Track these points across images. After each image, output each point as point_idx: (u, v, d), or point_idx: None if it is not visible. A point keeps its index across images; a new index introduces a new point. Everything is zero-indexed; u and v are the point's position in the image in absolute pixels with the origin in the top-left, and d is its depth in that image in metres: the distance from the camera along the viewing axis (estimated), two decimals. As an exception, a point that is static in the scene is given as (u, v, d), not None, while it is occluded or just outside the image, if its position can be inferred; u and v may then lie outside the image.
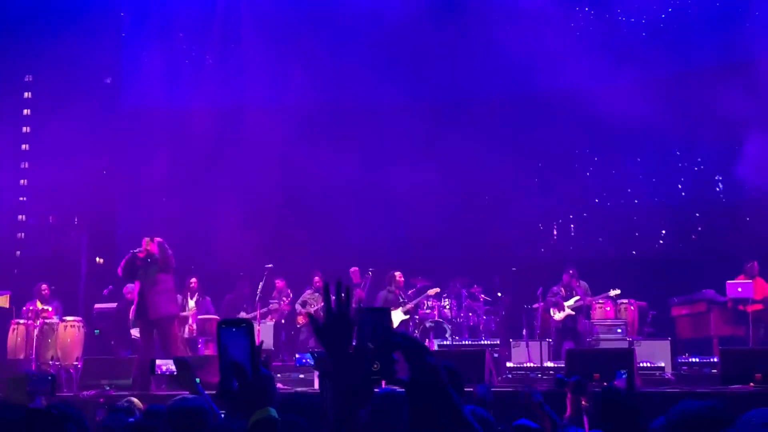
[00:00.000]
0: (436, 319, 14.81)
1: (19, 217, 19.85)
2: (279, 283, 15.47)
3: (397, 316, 14.41)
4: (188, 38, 19.42)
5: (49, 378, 5.10)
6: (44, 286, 14.31)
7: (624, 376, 5.99)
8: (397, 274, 14.94)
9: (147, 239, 12.17)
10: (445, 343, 14.19)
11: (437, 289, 15.10)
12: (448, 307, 15.19)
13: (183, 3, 18.99)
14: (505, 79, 17.62)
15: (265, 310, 15.01)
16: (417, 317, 14.98)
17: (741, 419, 2.91)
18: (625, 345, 12.90)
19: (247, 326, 2.39)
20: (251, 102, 18.73)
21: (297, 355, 12.16)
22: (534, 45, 17.00)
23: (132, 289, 13.29)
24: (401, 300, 14.89)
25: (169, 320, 12.13)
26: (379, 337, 2.46)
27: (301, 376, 12.34)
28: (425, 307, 15.07)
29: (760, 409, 2.90)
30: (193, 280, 15.02)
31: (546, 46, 16.99)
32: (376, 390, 4.59)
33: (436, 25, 17.80)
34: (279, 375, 13.14)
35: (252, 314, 14.80)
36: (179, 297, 13.73)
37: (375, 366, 2.44)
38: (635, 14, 17.47)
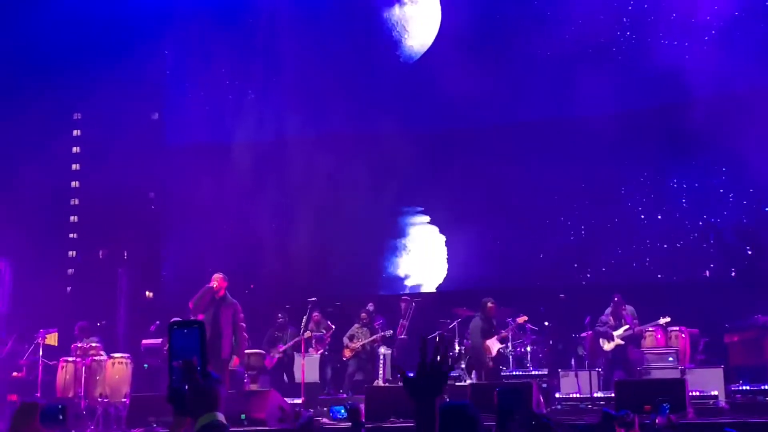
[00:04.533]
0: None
1: (70, 253, 20.21)
2: (315, 315, 15.47)
3: (494, 345, 13.98)
4: (230, 73, 19.61)
5: (60, 407, 5.10)
6: (77, 325, 14.25)
7: (667, 411, 5.82)
8: (490, 303, 13.99)
9: (220, 275, 11.91)
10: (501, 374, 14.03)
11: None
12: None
13: (225, 39, 19.22)
14: (545, 102, 17.53)
15: (298, 339, 14.85)
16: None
17: None
18: (676, 373, 12.57)
19: (199, 327, 2.33)
20: (292, 134, 18.86)
21: (331, 409, 12.08)
22: (574, 69, 16.87)
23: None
24: (494, 329, 14.35)
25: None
26: (522, 414, 2.46)
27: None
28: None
29: None
30: None
31: (585, 70, 16.81)
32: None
33: (471, 52, 17.79)
34: (325, 408, 13.14)
35: (288, 345, 15.00)
36: None
37: None
38: (673, 37, 17.17)
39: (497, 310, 14.15)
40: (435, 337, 13.48)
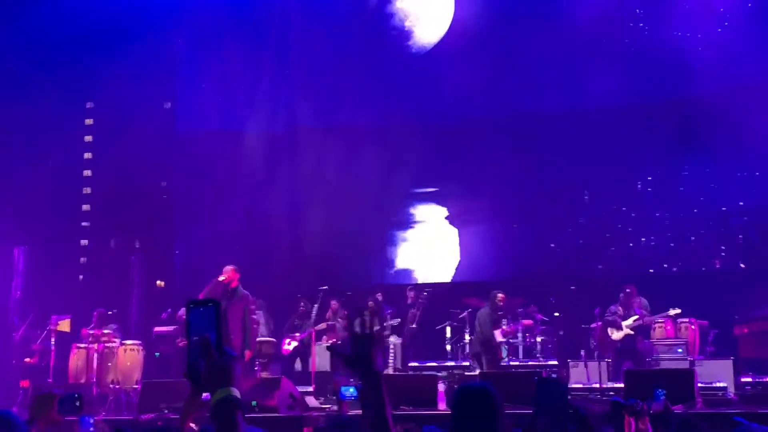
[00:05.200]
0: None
1: (82, 242, 20.28)
2: (333, 304, 15.56)
3: (498, 337, 14.15)
4: (242, 63, 19.61)
5: (76, 396, 5.21)
6: (95, 312, 14.41)
7: (663, 397, 5.86)
8: (500, 295, 14.37)
9: (231, 267, 11.88)
10: (501, 364, 14.12)
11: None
12: (505, 326, 15.02)
13: (237, 29, 19.24)
14: (557, 94, 17.51)
15: (311, 329, 15.03)
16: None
17: None
18: (685, 365, 12.59)
19: (215, 306, 2.40)
20: (303, 124, 18.91)
21: (340, 390, 12.14)
22: (586, 61, 16.86)
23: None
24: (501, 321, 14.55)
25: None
26: (557, 406, 2.49)
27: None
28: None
29: None
30: None
31: (597, 62, 16.79)
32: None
33: (483, 43, 17.81)
34: (334, 397, 13.16)
35: (305, 334, 14.98)
36: None
37: None
38: (686, 29, 17.09)
39: (507, 302, 14.28)
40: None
